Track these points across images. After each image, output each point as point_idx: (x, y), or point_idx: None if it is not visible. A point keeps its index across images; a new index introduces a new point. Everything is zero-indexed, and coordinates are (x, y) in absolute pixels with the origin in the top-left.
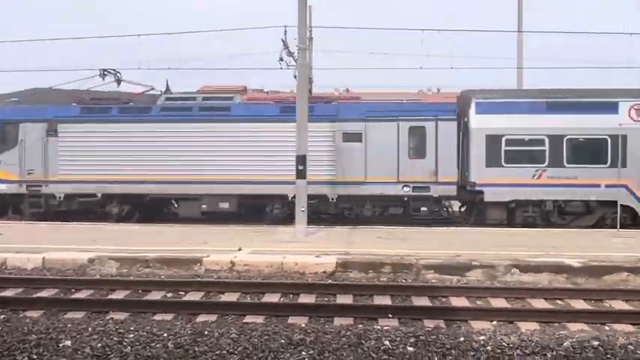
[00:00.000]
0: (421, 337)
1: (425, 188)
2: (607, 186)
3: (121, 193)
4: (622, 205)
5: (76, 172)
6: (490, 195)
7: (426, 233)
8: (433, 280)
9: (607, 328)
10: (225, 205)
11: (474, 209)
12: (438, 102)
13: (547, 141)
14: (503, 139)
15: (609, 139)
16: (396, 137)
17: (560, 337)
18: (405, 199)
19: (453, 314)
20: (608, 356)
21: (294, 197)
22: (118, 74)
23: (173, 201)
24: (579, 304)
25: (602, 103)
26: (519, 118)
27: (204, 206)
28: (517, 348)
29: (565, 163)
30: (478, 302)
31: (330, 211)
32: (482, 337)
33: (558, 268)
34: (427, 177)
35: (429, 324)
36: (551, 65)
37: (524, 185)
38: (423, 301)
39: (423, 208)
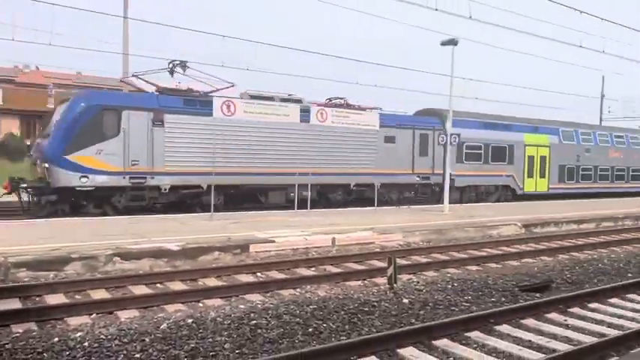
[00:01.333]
0: (7, 346)
1: (427, 178)
2: (506, 176)
3: (224, 184)
4: (510, 187)
5: (183, 164)
6: (458, 182)
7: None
8: (26, 279)
9: (200, 304)
10: (305, 193)
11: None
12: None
13: (482, 147)
14: (464, 145)
15: (507, 147)
16: (412, 141)
17: (159, 320)
18: (416, 185)
19: (45, 314)
20: (201, 331)
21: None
22: (187, 67)
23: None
24: (177, 286)
25: (507, 125)
26: (469, 132)
27: (292, 194)
28: (115, 338)
29: (490, 161)
30: (77, 297)
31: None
32: (79, 334)
33: (158, 253)
34: (429, 169)
35: (18, 329)
36: None
37: (474, 176)
38: (13, 304)
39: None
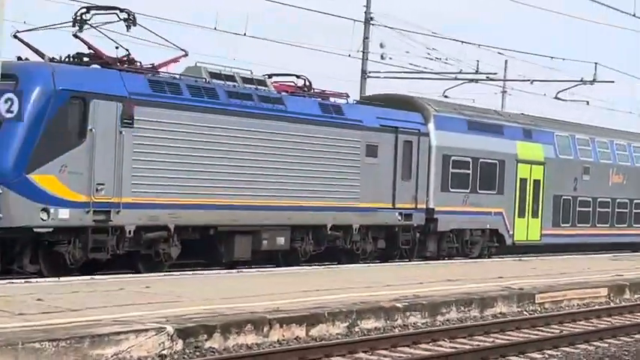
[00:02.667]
0: None
1: (409, 215)
2: (494, 214)
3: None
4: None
5: (153, 191)
6: (442, 223)
7: None
8: None
9: None
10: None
11: None
12: None
13: (471, 163)
14: (451, 161)
15: (497, 164)
16: (394, 153)
17: None
18: (396, 228)
19: None
20: None
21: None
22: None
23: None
24: None
25: (498, 126)
26: (456, 137)
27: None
28: None
29: (478, 189)
30: None
31: None
32: None
33: None
34: (411, 202)
35: None
36: None
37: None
38: None
39: None
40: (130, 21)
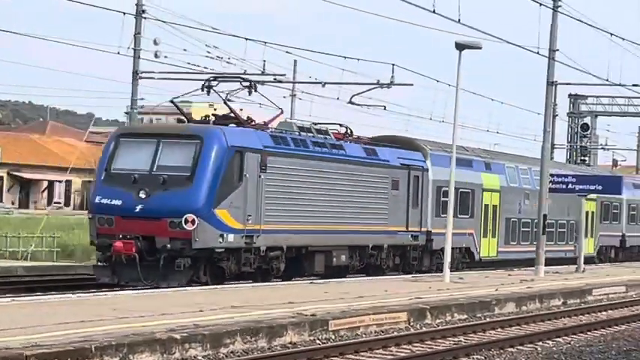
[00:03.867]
0: None
1: (416, 237)
2: (468, 234)
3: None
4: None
5: (281, 220)
6: (437, 243)
7: None
8: None
9: None
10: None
11: None
12: None
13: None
14: (442, 191)
15: (470, 193)
16: (407, 186)
17: None
18: (408, 247)
19: None
20: None
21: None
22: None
23: None
24: None
25: (468, 160)
26: (445, 171)
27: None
28: None
29: (458, 214)
30: None
31: None
32: None
33: None
34: (418, 226)
35: None
36: None
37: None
38: None
39: None
40: (252, 87)
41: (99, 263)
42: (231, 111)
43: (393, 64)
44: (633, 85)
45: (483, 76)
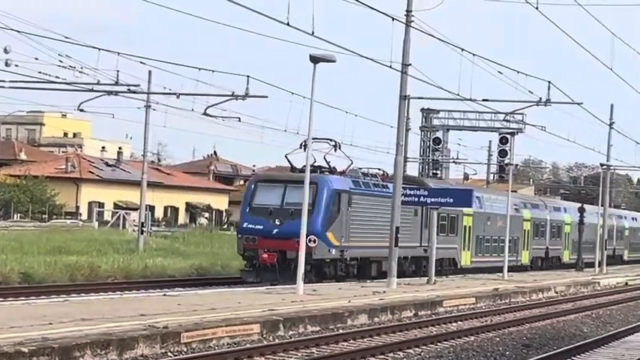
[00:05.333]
0: None
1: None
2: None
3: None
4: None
5: (361, 239)
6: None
7: None
8: None
9: None
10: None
11: None
12: None
13: (447, 217)
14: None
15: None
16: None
17: None
18: None
19: None
20: None
21: None
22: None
23: None
24: None
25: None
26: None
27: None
28: None
29: (449, 233)
30: None
31: None
32: None
33: None
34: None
35: None
36: None
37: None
38: None
39: None
40: (338, 146)
41: (245, 269)
42: (328, 164)
43: (248, 76)
44: (483, 100)
45: (338, 89)
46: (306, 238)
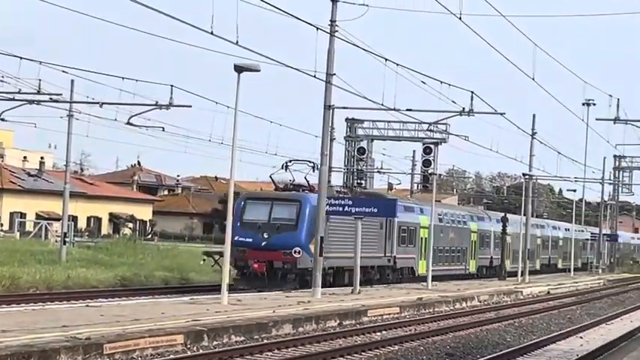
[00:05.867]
0: None
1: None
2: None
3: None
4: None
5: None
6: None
7: None
8: None
9: None
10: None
11: None
12: None
13: (407, 230)
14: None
15: (415, 230)
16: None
17: None
18: None
19: None
20: None
21: None
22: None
23: None
24: None
25: (411, 207)
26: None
27: None
28: None
29: (407, 243)
30: None
31: None
32: None
33: None
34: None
35: None
36: None
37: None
38: None
39: None
40: (315, 167)
41: (236, 277)
42: (308, 183)
43: (172, 86)
44: (407, 110)
45: (263, 98)
46: (292, 249)
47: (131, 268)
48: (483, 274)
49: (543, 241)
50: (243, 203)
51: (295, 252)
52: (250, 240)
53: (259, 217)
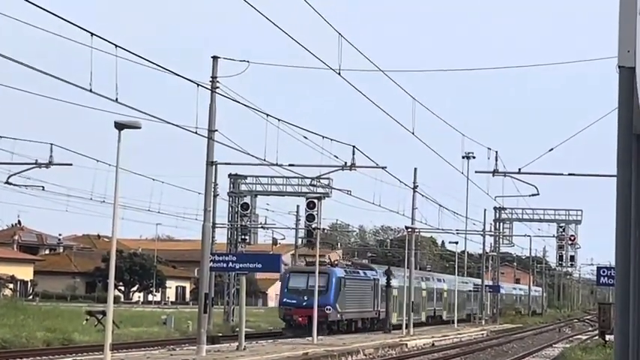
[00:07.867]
0: None
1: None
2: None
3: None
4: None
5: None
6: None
7: None
8: None
9: None
10: None
11: None
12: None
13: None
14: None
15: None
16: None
17: None
18: None
19: None
20: None
21: None
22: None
23: None
24: None
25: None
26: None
27: None
28: None
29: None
30: None
31: None
32: None
33: None
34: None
35: None
36: None
37: None
38: None
39: None
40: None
41: (284, 328)
42: (330, 261)
43: (52, 144)
44: (290, 165)
45: (145, 155)
46: (325, 307)
47: (12, 330)
48: (429, 323)
49: (429, 293)
50: (288, 275)
51: (328, 309)
52: (294, 301)
53: (300, 285)
